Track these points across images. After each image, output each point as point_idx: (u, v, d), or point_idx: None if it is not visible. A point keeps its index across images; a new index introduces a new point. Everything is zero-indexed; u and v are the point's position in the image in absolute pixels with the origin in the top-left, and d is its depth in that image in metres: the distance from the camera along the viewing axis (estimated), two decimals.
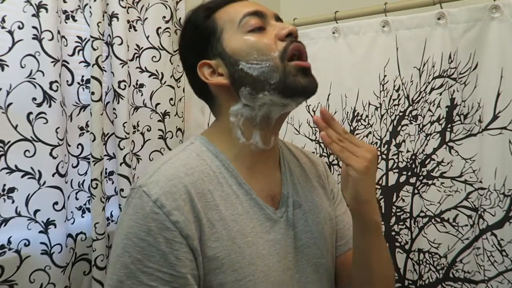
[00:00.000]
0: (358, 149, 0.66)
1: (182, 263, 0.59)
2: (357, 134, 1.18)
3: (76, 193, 1.23)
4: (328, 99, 1.24)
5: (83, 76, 1.23)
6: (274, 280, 0.67)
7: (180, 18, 1.48)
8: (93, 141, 1.20)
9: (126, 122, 1.27)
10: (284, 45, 0.68)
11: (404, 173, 1.10)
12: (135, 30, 1.37)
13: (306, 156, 0.86)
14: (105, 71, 1.26)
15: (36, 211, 1.09)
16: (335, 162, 1.25)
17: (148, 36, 1.39)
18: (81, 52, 1.23)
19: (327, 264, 0.77)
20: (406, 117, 1.10)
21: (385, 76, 1.13)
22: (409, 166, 1.09)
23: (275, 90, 0.66)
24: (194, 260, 0.61)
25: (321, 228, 0.78)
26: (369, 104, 1.16)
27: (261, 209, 0.69)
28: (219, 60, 0.71)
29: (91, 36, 1.20)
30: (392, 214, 1.11)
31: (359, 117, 1.18)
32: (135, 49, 1.37)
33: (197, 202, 0.63)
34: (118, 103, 1.27)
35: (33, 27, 1.07)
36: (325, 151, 1.27)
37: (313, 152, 1.20)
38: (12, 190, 1.05)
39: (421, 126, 1.07)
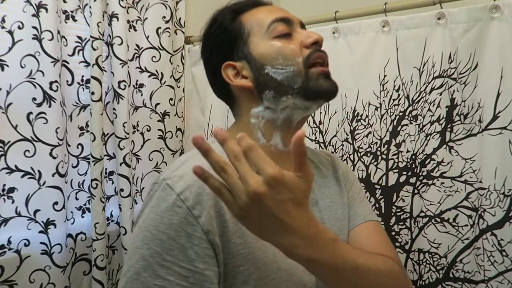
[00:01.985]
0: (239, 186, 0.50)
1: (201, 259, 0.58)
2: (357, 134, 1.18)
3: (76, 193, 1.23)
4: None
5: (83, 76, 1.24)
6: (296, 279, 0.66)
7: (180, 18, 1.48)
8: (93, 141, 1.20)
9: (126, 122, 1.28)
10: (309, 53, 0.69)
11: (404, 173, 1.10)
12: (135, 30, 1.37)
13: (320, 156, 0.86)
14: (105, 71, 1.26)
15: (36, 211, 1.09)
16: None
17: (148, 36, 1.39)
18: (81, 52, 1.23)
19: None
20: (406, 117, 1.10)
21: (385, 76, 1.13)
22: (409, 166, 1.09)
23: (298, 93, 0.68)
24: (214, 256, 0.60)
25: (339, 224, 0.77)
26: (369, 104, 1.16)
27: None
28: (245, 63, 0.72)
29: (91, 36, 1.20)
30: (392, 214, 1.11)
31: (359, 117, 1.18)
32: (135, 49, 1.37)
33: (217, 200, 0.61)
34: (118, 103, 1.27)
35: (33, 27, 1.07)
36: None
37: None
38: (12, 190, 1.05)
39: (421, 126, 1.07)
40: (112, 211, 1.32)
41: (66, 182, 1.16)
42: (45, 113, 1.10)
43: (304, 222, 0.53)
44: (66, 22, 1.19)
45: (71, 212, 1.21)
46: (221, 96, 0.79)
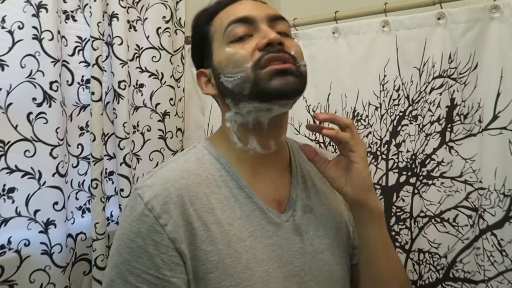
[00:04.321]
0: (360, 138, 0.68)
1: (167, 266, 0.59)
2: None
3: (76, 193, 1.23)
4: (328, 99, 1.24)
5: (83, 76, 1.24)
6: (273, 286, 0.64)
7: (180, 18, 1.48)
8: (93, 141, 1.20)
9: (126, 122, 1.28)
10: (259, 56, 0.64)
11: (404, 173, 1.10)
12: (135, 30, 1.37)
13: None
14: (105, 71, 1.26)
15: (36, 211, 1.09)
16: None
17: (148, 36, 1.40)
18: (81, 52, 1.23)
19: (341, 271, 0.73)
20: (406, 117, 1.10)
21: (385, 76, 1.13)
22: (409, 166, 1.09)
23: (250, 99, 0.64)
24: (182, 263, 0.61)
25: (335, 233, 0.75)
26: (369, 104, 1.16)
27: (263, 212, 0.68)
28: (211, 71, 0.71)
29: (91, 36, 1.20)
30: (392, 214, 1.11)
31: (359, 117, 1.18)
32: (135, 49, 1.37)
33: (189, 206, 0.62)
34: (118, 103, 1.27)
35: (33, 27, 1.08)
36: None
37: None
38: (12, 190, 1.06)
39: (421, 126, 1.07)
40: (112, 211, 1.32)
41: (66, 182, 1.16)
42: (45, 113, 1.10)
43: None
44: (66, 22, 1.19)
45: (71, 212, 1.21)
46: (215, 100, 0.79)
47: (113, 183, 1.32)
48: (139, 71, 1.38)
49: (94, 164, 1.20)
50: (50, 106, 1.10)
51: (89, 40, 1.21)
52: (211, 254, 0.62)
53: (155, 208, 0.60)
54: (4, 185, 1.04)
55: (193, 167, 0.67)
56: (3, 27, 1.04)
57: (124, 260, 0.60)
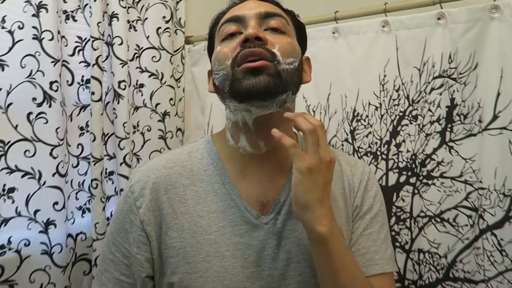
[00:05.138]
0: (314, 149, 0.59)
1: (135, 243, 0.67)
2: (357, 134, 1.18)
3: (76, 193, 1.23)
4: (328, 99, 1.24)
5: (83, 76, 1.24)
6: (228, 283, 0.64)
7: (180, 18, 1.48)
8: (93, 141, 1.20)
9: (126, 122, 1.28)
10: (236, 53, 0.63)
11: (404, 173, 1.10)
12: (135, 30, 1.37)
13: (338, 165, 0.75)
14: (105, 71, 1.26)
15: (36, 211, 1.09)
16: None
17: (148, 36, 1.39)
18: (81, 52, 1.23)
19: (316, 285, 0.66)
20: (406, 117, 1.10)
21: (385, 76, 1.13)
22: (409, 166, 1.09)
23: (229, 97, 0.64)
24: (148, 243, 0.67)
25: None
26: (369, 104, 1.16)
27: (239, 210, 0.67)
28: None
29: (91, 36, 1.20)
30: (392, 214, 1.11)
31: (359, 117, 1.18)
32: (135, 49, 1.37)
33: (163, 194, 0.68)
34: (118, 103, 1.27)
35: (33, 27, 1.08)
36: None
37: None
38: (12, 190, 1.06)
39: (421, 126, 1.07)
40: (112, 211, 1.32)
41: (66, 182, 1.16)
42: (45, 113, 1.10)
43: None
44: (66, 22, 1.19)
45: (71, 212, 1.21)
46: None
47: (113, 183, 1.32)
48: (139, 71, 1.38)
49: (94, 164, 1.20)
50: (50, 106, 1.10)
51: (89, 40, 1.21)
52: (174, 240, 0.66)
53: (135, 191, 0.69)
54: (4, 185, 1.04)
55: (182, 158, 0.72)
56: (3, 27, 1.04)
57: (112, 232, 0.70)
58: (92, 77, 1.20)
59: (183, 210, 0.68)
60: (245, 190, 0.69)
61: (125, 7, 1.28)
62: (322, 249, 0.60)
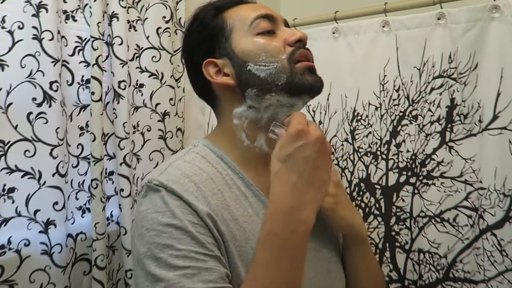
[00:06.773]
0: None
1: (211, 244, 0.60)
2: (357, 134, 1.18)
3: (76, 193, 1.23)
4: (328, 99, 1.24)
5: (83, 76, 1.23)
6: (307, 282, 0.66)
7: (180, 18, 1.48)
8: (93, 141, 1.20)
9: (126, 122, 1.27)
10: (292, 50, 0.68)
11: (404, 173, 1.10)
12: (135, 30, 1.37)
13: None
14: (105, 71, 1.26)
15: (36, 211, 1.09)
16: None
17: (148, 36, 1.39)
18: (81, 52, 1.23)
19: (337, 269, 0.75)
20: (406, 117, 1.10)
21: (385, 76, 1.13)
22: (409, 166, 1.09)
23: (282, 90, 0.66)
24: (217, 244, 0.61)
25: (330, 232, 0.77)
26: (369, 104, 1.16)
27: None
28: (226, 60, 0.70)
29: (91, 36, 1.20)
30: (392, 214, 1.11)
31: (359, 117, 1.18)
32: (135, 49, 1.37)
33: (211, 199, 0.63)
34: (118, 103, 1.27)
35: (33, 27, 1.07)
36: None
37: None
38: (12, 190, 1.05)
39: (421, 126, 1.07)
40: (112, 211, 1.32)
41: (66, 182, 1.16)
42: (45, 113, 1.10)
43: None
44: (66, 22, 1.19)
45: (71, 212, 1.21)
46: (202, 96, 0.77)
47: (113, 183, 1.32)
48: (139, 71, 1.38)
49: (94, 164, 1.20)
50: (50, 106, 1.10)
51: (89, 40, 1.21)
52: (232, 249, 0.62)
53: (183, 196, 0.61)
54: (4, 185, 1.04)
55: (202, 165, 0.68)
56: (3, 27, 1.04)
57: (164, 248, 0.58)
58: (92, 77, 1.20)
59: (229, 217, 0.64)
60: (266, 190, 0.68)
61: (125, 7, 1.28)
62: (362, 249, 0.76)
